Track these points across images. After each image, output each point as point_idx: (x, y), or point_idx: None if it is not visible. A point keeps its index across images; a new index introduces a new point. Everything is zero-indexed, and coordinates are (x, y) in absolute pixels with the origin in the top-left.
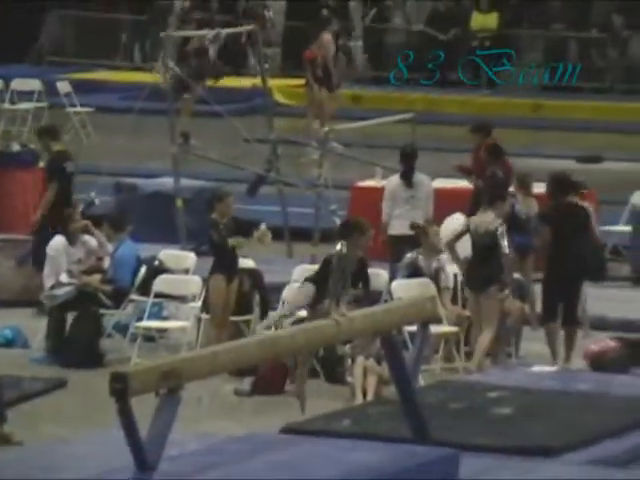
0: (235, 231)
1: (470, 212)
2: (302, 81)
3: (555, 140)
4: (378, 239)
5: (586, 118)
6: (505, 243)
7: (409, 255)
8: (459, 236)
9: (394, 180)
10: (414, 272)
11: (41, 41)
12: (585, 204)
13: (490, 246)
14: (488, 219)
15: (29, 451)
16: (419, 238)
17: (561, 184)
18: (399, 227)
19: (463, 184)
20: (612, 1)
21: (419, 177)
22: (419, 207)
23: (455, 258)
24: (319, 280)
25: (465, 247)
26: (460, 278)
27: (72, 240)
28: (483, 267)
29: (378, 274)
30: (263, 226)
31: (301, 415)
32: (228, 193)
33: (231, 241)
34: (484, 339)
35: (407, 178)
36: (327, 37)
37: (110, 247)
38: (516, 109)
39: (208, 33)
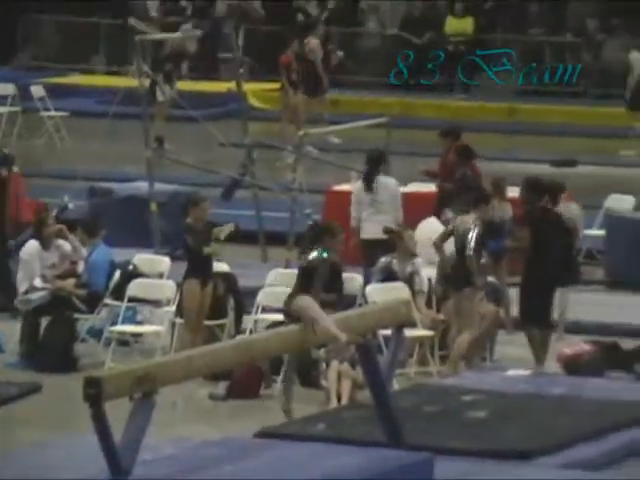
0: (210, 236)
1: (434, 214)
2: (277, 85)
3: (530, 144)
4: (350, 243)
5: (561, 122)
6: (471, 244)
7: (383, 259)
8: (446, 236)
9: (358, 184)
10: (388, 276)
11: (17, 45)
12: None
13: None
14: (469, 220)
15: (2, 456)
16: (394, 242)
17: (535, 188)
18: (369, 231)
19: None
20: (587, 5)
21: (384, 181)
22: (383, 211)
23: (442, 259)
24: (304, 289)
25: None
26: (435, 282)
27: (46, 244)
28: (460, 268)
29: (352, 278)
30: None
31: (276, 419)
32: (203, 198)
33: (207, 249)
34: (462, 341)
35: (368, 181)
36: (314, 42)
37: (84, 251)
38: (491, 113)
39: (185, 32)
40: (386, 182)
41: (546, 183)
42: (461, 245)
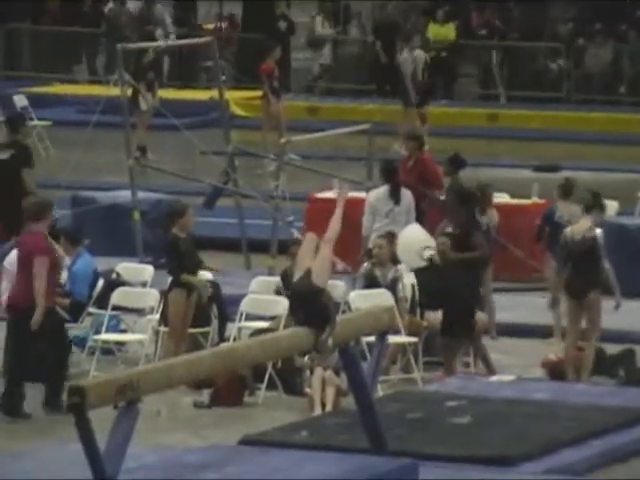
0: (194, 246)
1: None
2: (258, 93)
3: (512, 150)
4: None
5: (542, 128)
6: (601, 250)
7: (365, 265)
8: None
9: (375, 194)
10: (371, 283)
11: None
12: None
13: (588, 252)
14: (584, 226)
15: None
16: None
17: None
18: None
19: None
20: (566, 10)
21: (403, 192)
22: (397, 222)
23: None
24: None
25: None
26: (417, 288)
27: None
28: (583, 274)
29: (336, 285)
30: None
31: (260, 426)
32: (186, 206)
33: (185, 278)
34: (590, 350)
35: (395, 195)
36: (405, 55)
37: (67, 261)
38: (472, 119)
39: (162, 44)
40: (404, 193)
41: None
42: (589, 251)
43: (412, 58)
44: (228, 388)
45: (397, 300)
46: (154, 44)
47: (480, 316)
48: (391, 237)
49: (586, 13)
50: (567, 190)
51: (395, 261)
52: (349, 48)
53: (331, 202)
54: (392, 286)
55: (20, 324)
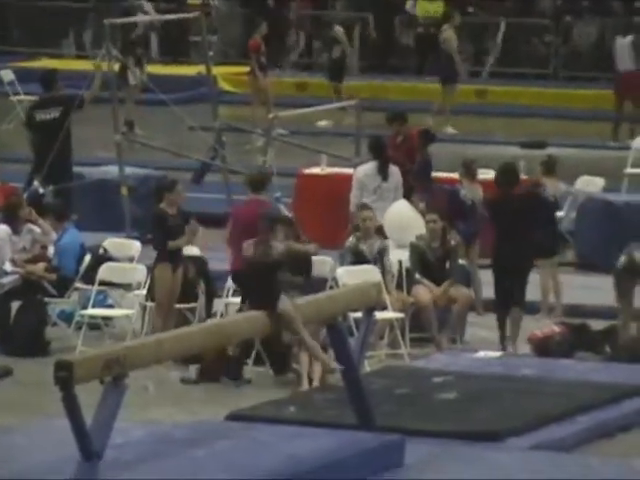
0: (183, 223)
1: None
2: (246, 69)
3: (499, 126)
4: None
5: (530, 104)
6: None
7: (350, 240)
8: None
9: (363, 170)
10: (357, 258)
11: None
12: None
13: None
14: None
15: None
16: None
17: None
18: None
19: None
20: None
21: (391, 168)
22: (386, 198)
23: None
24: None
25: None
26: (405, 264)
27: (18, 229)
28: None
29: (324, 261)
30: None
31: (248, 402)
32: (175, 181)
33: (172, 244)
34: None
35: (384, 171)
36: (449, 32)
37: (54, 235)
38: (460, 95)
39: (148, 20)
40: (392, 170)
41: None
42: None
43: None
44: (215, 364)
45: (384, 272)
46: (142, 18)
47: (466, 292)
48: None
49: None
50: (550, 167)
51: (381, 233)
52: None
53: (319, 178)
54: (380, 258)
55: None
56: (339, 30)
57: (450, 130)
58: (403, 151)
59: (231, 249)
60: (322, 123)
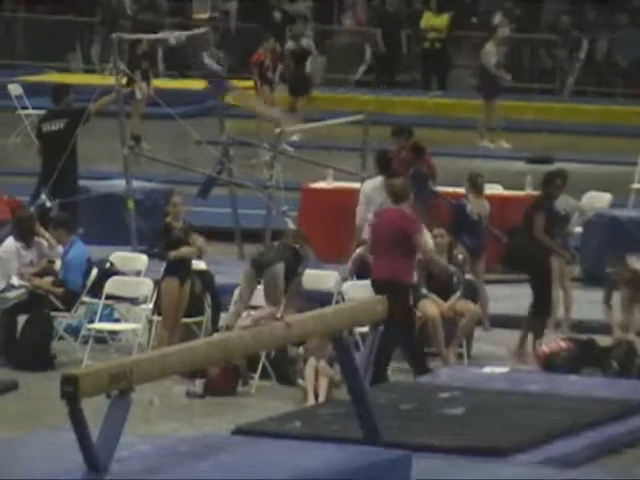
0: (189, 234)
1: None
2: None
3: (505, 141)
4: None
5: (536, 119)
6: None
7: (358, 250)
8: None
9: (370, 184)
10: (361, 267)
11: None
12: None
13: None
14: None
15: None
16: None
17: None
18: None
19: None
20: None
21: None
22: None
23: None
24: None
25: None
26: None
27: (29, 242)
28: None
29: (329, 276)
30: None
31: (253, 416)
32: (171, 191)
33: (173, 253)
34: None
35: None
36: (489, 46)
37: (59, 249)
38: (467, 110)
39: (159, 36)
40: None
41: None
42: None
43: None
44: (221, 378)
45: None
46: (152, 36)
47: (473, 306)
48: None
49: (581, 5)
50: (475, 184)
51: None
52: (344, 38)
53: (325, 192)
54: None
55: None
56: (309, 43)
57: (504, 145)
58: (408, 165)
59: (374, 259)
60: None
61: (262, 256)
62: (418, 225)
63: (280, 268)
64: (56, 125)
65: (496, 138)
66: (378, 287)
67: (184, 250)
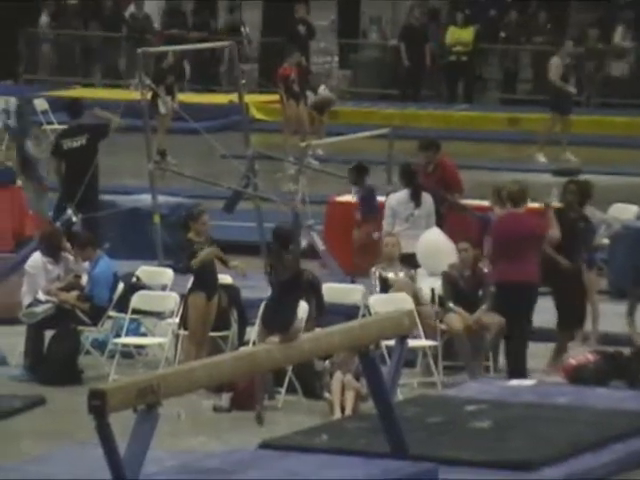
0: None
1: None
2: (277, 97)
3: (532, 153)
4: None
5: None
6: None
7: (373, 269)
8: None
9: (396, 198)
10: (384, 285)
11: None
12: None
13: None
14: None
15: (5, 469)
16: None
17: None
18: (402, 245)
19: None
20: (588, 14)
21: (424, 196)
22: (418, 226)
23: None
24: None
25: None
26: (438, 292)
27: (56, 257)
28: None
29: (355, 289)
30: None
31: (280, 430)
32: (202, 211)
33: (194, 261)
34: None
35: (416, 198)
36: (556, 60)
37: (85, 264)
38: (493, 123)
39: (184, 47)
40: (424, 197)
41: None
42: None
43: (564, 63)
44: (248, 392)
45: (417, 303)
46: (175, 48)
47: (498, 319)
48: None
49: (607, 17)
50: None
51: (409, 261)
52: (369, 52)
53: (351, 206)
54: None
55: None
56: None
57: (571, 158)
58: (435, 179)
59: (493, 264)
60: (541, 159)
61: (276, 314)
62: (544, 222)
63: (300, 321)
64: (77, 141)
65: (561, 152)
66: (512, 290)
67: (203, 254)
